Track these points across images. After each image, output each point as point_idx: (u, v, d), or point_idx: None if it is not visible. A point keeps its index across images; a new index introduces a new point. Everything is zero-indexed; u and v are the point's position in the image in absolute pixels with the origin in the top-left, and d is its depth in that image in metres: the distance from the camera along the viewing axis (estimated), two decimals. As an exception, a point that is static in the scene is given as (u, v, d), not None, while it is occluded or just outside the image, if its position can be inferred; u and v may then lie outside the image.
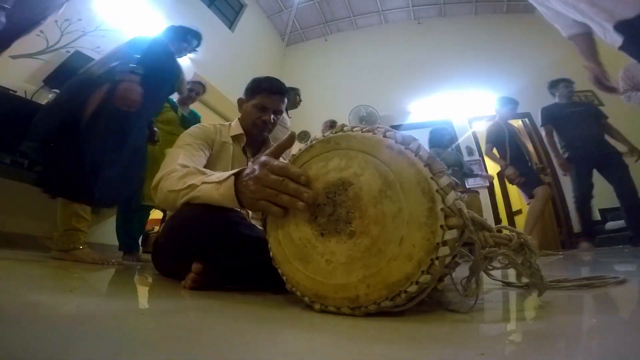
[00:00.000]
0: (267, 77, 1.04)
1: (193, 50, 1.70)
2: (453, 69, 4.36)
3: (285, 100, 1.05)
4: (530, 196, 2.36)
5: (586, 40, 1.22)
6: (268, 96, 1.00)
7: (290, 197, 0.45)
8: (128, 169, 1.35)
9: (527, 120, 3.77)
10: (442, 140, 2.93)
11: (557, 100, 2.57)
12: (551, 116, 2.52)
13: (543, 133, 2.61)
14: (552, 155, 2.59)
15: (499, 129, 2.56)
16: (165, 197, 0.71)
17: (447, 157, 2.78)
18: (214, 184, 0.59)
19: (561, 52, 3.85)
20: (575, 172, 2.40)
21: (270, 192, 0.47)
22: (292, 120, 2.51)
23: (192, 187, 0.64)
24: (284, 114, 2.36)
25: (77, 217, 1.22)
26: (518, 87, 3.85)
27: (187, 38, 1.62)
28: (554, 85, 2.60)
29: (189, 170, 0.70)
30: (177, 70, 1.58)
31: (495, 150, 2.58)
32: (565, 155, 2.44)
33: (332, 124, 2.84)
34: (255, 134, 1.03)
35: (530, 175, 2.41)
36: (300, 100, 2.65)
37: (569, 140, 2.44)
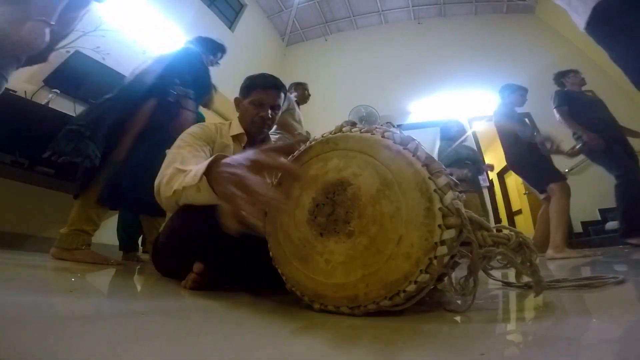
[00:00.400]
0: (261, 73, 1.03)
1: (217, 63, 1.74)
2: (453, 69, 4.36)
3: (282, 95, 1.03)
4: (541, 192, 2.12)
5: None
6: (263, 91, 0.99)
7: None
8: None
9: (527, 120, 3.77)
10: (449, 132, 2.87)
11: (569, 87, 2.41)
12: (567, 98, 2.32)
13: (557, 115, 2.34)
14: (579, 132, 2.21)
15: (511, 112, 2.42)
16: (164, 204, 0.72)
17: (459, 150, 2.74)
18: (193, 187, 0.56)
19: (561, 52, 3.86)
20: (610, 152, 2.07)
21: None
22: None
23: (177, 193, 0.63)
24: (296, 107, 2.37)
25: (89, 221, 1.23)
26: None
27: (216, 54, 1.67)
28: (563, 75, 2.46)
29: (172, 174, 0.68)
30: (211, 86, 1.60)
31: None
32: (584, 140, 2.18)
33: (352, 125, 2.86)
34: (255, 131, 1.02)
35: (544, 167, 2.18)
36: (309, 95, 2.66)
37: (591, 123, 2.16)
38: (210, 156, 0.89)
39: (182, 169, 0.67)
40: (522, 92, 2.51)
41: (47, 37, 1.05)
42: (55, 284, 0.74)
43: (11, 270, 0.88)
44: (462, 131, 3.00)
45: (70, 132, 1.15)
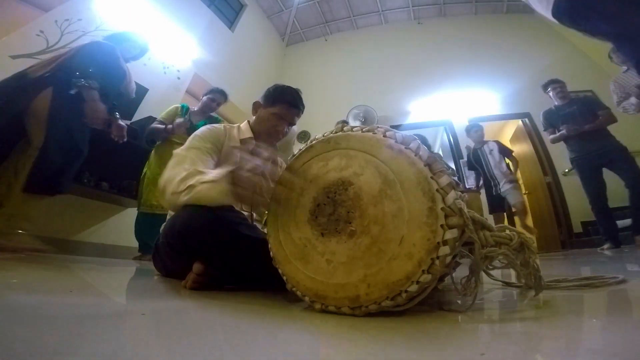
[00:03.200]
0: (290, 89, 1.03)
1: (144, 49, 1.78)
2: (453, 69, 4.36)
3: (300, 114, 1.06)
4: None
5: None
6: (288, 108, 1.00)
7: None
8: (69, 165, 1.42)
9: (527, 120, 3.77)
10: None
11: (554, 102, 2.55)
12: (550, 120, 2.52)
13: (549, 137, 2.57)
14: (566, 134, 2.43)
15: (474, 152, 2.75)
16: (168, 200, 0.72)
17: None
18: (210, 183, 0.62)
19: (561, 52, 3.86)
20: (580, 176, 2.32)
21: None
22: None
23: (191, 188, 0.66)
24: None
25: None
26: (518, 87, 3.85)
27: (129, 37, 1.70)
28: (545, 87, 2.60)
29: (189, 173, 0.71)
30: (122, 74, 1.62)
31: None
32: (571, 156, 2.39)
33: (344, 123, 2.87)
34: (267, 141, 1.02)
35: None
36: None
37: (568, 143, 2.40)
38: (217, 159, 0.90)
39: (201, 170, 0.72)
40: (477, 128, 2.97)
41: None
42: (55, 284, 0.74)
43: (11, 270, 0.88)
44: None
45: None
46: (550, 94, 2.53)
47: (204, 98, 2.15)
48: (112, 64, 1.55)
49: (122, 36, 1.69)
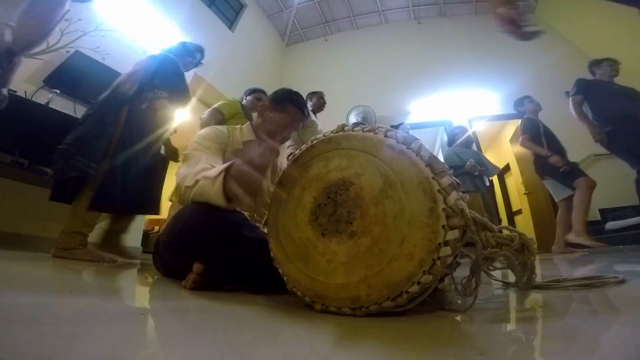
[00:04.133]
0: (297, 95, 1.03)
1: (197, 64, 1.85)
2: (453, 69, 4.35)
3: (305, 120, 1.08)
4: (572, 188, 2.25)
5: None
6: (295, 114, 1.00)
7: None
8: (143, 183, 1.49)
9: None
10: (454, 138, 2.96)
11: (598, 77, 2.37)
12: (586, 87, 2.28)
13: (570, 104, 2.32)
14: (587, 126, 2.24)
15: (534, 122, 2.50)
16: (183, 193, 0.72)
17: (462, 153, 2.79)
18: (210, 180, 0.63)
19: (561, 52, 3.86)
20: (626, 146, 2.08)
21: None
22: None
23: (196, 182, 0.67)
24: (313, 117, 2.41)
25: (84, 223, 1.33)
26: (518, 87, 3.84)
27: (193, 54, 1.77)
28: (596, 63, 2.40)
29: (203, 167, 0.72)
30: (187, 89, 1.69)
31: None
32: (607, 130, 2.14)
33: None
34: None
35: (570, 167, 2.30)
36: (325, 102, 2.71)
37: (610, 116, 2.14)
38: (222, 159, 0.91)
39: (213, 165, 0.74)
40: (536, 102, 2.66)
41: (8, 37, 1.07)
42: (55, 284, 0.74)
43: (11, 270, 0.88)
44: (465, 135, 3.03)
45: (60, 151, 1.28)
46: (602, 70, 2.34)
47: (249, 97, 2.16)
48: (177, 77, 1.62)
49: (183, 50, 1.74)
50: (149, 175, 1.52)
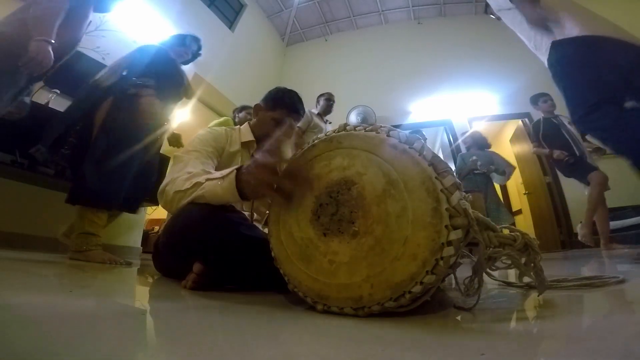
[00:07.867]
0: (290, 93, 1.02)
1: (195, 54, 1.78)
2: (453, 69, 4.35)
3: (300, 119, 1.06)
4: (587, 183, 2.26)
5: None
6: (288, 113, 0.99)
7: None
8: (140, 177, 1.44)
9: (527, 120, 3.77)
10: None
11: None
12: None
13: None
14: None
15: (535, 125, 2.59)
16: (171, 199, 0.71)
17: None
18: (217, 179, 0.63)
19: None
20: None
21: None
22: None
23: (197, 185, 0.67)
24: (318, 122, 2.42)
25: (91, 222, 1.29)
26: (517, 87, 3.84)
27: (185, 42, 1.69)
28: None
29: (195, 172, 0.72)
30: (181, 77, 1.63)
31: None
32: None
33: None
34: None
35: (579, 162, 2.32)
36: (332, 104, 2.73)
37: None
38: (217, 163, 0.91)
39: (207, 170, 0.75)
40: (546, 97, 2.68)
41: (52, 55, 1.12)
42: (55, 284, 0.74)
43: (12, 270, 0.87)
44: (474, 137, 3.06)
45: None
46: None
47: (240, 114, 2.18)
48: (166, 65, 1.56)
49: (176, 40, 1.68)
50: (142, 172, 1.44)
